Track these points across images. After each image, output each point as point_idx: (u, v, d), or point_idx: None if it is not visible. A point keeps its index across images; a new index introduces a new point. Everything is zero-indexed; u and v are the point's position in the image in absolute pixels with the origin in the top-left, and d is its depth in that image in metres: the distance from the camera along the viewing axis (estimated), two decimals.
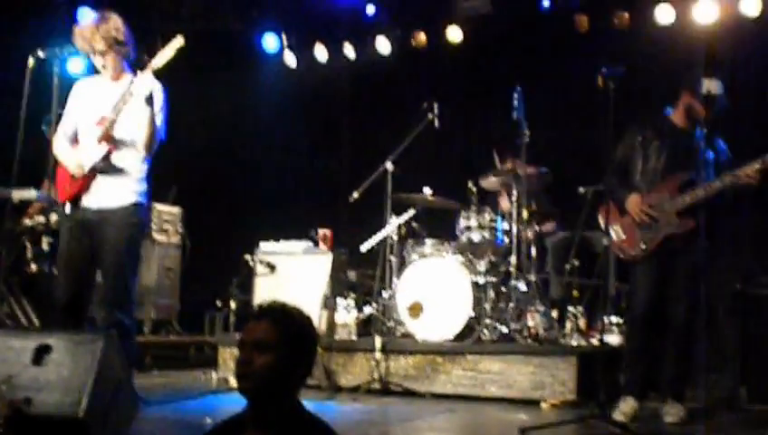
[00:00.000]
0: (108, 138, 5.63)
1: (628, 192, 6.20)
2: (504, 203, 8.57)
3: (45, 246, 5.38)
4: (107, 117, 5.62)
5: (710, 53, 7.77)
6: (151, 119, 5.60)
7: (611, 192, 6.32)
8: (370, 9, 11.04)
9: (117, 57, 5.77)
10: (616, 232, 6.26)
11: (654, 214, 6.07)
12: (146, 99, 5.51)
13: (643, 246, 6.13)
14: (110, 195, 5.69)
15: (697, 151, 6.11)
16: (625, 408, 6.00)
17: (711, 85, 6.07)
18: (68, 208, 5.67)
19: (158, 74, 5.71)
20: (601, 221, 6.39)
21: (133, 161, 5.76)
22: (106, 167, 5.67)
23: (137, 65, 5.78)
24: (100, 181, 5.69)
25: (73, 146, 5.79)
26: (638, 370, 6.19)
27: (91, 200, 5.66)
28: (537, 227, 8.34)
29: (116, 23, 5.75)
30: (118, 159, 5.70)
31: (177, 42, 5.65)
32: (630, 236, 6.21)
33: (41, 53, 5.56)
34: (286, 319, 3.02)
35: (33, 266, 8.71)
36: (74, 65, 9.36)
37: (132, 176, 5.76)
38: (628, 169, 6.34)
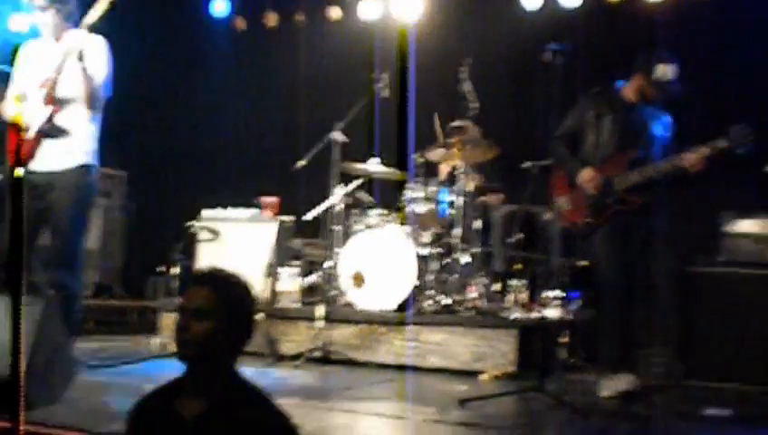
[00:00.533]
0: (51, 99, 5.56)
1: (580, 165, 6.24)
2: (446, 170, 8.57)
3: None
4: (49, 78, 5.56)
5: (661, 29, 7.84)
6: (86, 76, 5.52)
7: (561, 162, 6.37)
8: None
9: (57, 15, 5.68)
10: (562, 203, 6.31)
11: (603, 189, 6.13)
12: (77, 56, 5.44)
13: (589, 220, 6.19)
14: (58, 157, 5.63)
15: (647, 128, 6.18)
16: (618, 383, 6.04)
17: (666, 71, 6.13)
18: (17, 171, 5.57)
19: (102, 31, 5.67)
20: (551, 191, 6.43)
21: (79, 121, 5.69)
22: (51, 129, 5.60)
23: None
24: (47, 144, 5.62)
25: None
26: (616, 343, 6.20)
27: (39, 163, 5.60)
28: (483, 198, 8.38)
29: None
30: (62, 119, 5.64)
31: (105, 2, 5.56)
32: (578, 208, 6.26)
33: None
34: (226, 286, 3.03)
35: None
36: (18, 23, 9.23)
37: (79, 137, 5.72)
38: (578, 140, 6.38)
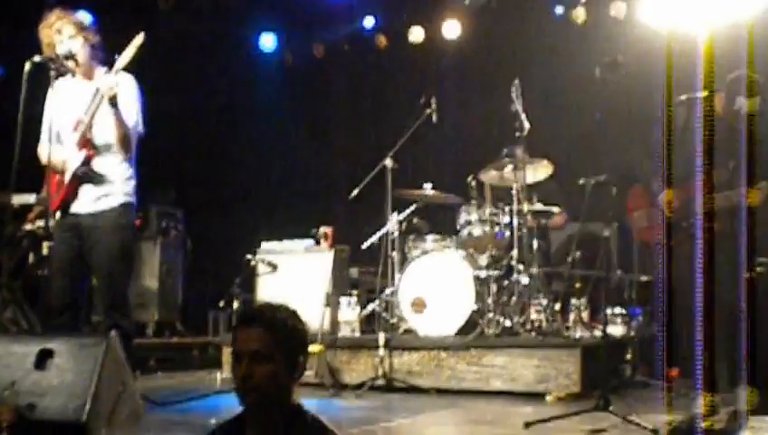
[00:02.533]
0: (85, 143, 5.57)
1: (664, 184, 6.11)
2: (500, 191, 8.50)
3: (46, 251, 5.34)
4: (82, 121, 5.57)
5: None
6: (119, 120, 5.53)
7: (646, 177, 6.25)
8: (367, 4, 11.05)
9: (86, 45, 5.69)
10: (639, 218, 6.23)
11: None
12: (110, 100, 5.45)
13: (664, 240, 6.10)
14: (97, 199, 5.63)
15: (736, 147, 6.03)
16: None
17: (742, 105, 6.01)
18: (58, 216, 5.63)
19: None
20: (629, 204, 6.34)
21: (115, 162, 5.71)
22: (88, 172, 5.60)
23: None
24: (86, 186, 5.64)
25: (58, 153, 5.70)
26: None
27: (79, 206, 5.61)
28: (544, 221, 8.33)
29: (82, 13, 5.73)
30: (99, 162, 5.63)
31: (138, 39, 5.57)
32: (654, 225, 6.17)
33: (37, 58, 5.52)
34: (278, 323, 2.95)
35: (35, 271, 8.70)
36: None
37: (117, 177, 5.71)
38: (668, 152, 6.20)
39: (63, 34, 5.63)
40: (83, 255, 5.60)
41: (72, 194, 5.61)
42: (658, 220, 6.11)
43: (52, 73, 5.53)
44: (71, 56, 5.60)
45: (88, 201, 5.63)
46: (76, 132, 5.61)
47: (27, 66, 5.43)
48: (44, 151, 5.70)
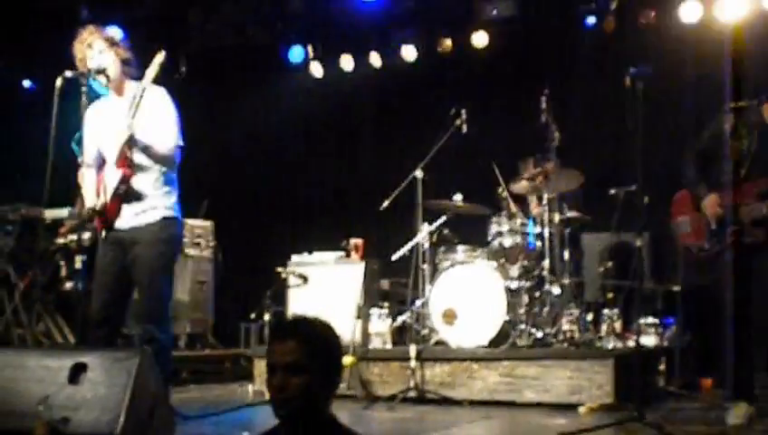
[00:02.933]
0: (123, 162, 5.58)
1: (707, 189, 6.09)
2: (535, 208, 8.50)
3: (78, 265, 5.36)
4: (118, 139, 5.57)
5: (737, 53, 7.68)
6: (146, 151, 5.54)
7: (689, 183, 6.22)
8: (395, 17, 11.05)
9: (117, 60, 5.71)
10: (683, 224, 6.19)
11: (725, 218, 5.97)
12: (126, 144, 5.47)
13: (707, 246, 6.06)
14: (137, 214, 5.65)
15: None
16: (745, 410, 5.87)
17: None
18: (103, 234, 5.63)
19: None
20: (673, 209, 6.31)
21: (154, 177, 5.68)
22: (127, 193, 5.61)
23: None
24: (127, 203, 5.66)
25: (100, 173, 5.74)
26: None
27: (122, 222, 5.62)
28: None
29: (113, 29, 5.76)
30: (138, 179, 5.63)
31: (160, 57, 5.57)
32: (697, 232, 6.13)
33: (68, 74, 5.54)
34: (312, 335, 2.97)
35: (68, 285, 8.76)
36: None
37: (157, 191, 5.69)
38: (711, 158, 6.16)
39: (94, 49, 5.65)
40: (124, 268, 5.62)
41: (114, 212, 5.60)
42: (701, 226, 6.06)
43: (83, 92, 5.55)
44: (101, 71, 5.61)
45: (129, 216, 5.62)
46: (114, 151, 5.59)
47: (59, 81, 5.46)
48: (82, 179, 5.72)
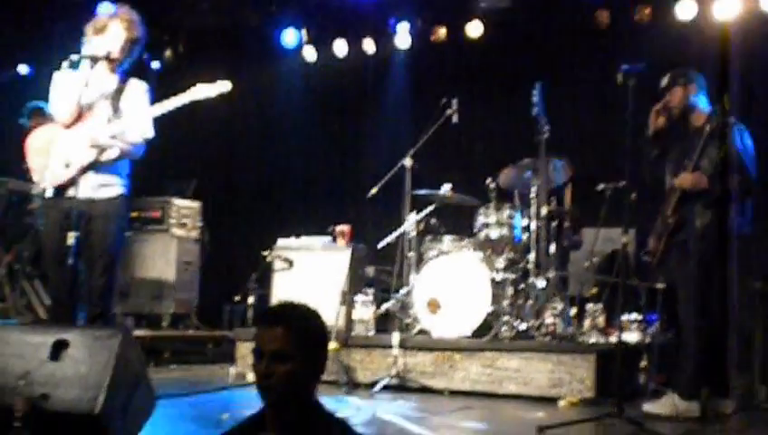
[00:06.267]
0: (98, 159, 5.67)
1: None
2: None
3: (71, 240, 5.31)
4: (93, 122, 5.66)
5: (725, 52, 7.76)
6: (120, 153, 5.73)
7: (650, 164, 6.47)
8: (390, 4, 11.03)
9: (127, 42, 5.79)
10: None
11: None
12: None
13: (651, 250, 6.29)
14: (97, 186, 5.67)
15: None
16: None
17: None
18: (50, 193, 5.61)
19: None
20: None
21: (122, 161, 5.82)
22: (92, 165, 5.66)
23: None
24: (89, 174, 5.66)
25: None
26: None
27: (78, 191, 5.57)
28: (572, 237, 8.33)
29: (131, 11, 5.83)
30: (106, 159, 5.72)
31: (225, 86, 5.81)
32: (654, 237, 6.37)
33: (74, 57, 5.55)
34: (301, 323, 2.95)
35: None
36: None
37: (120, 172, 5.82)
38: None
39: (110, 31, 5.72)
40: (80, 239, 5.46)
41: (74, 181, 5.59)
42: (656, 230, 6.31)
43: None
44: (108, 57, 5.72)
45: (87, 187, 5.64)
46: (88, 124, 5.68)
47: (65, 64, 5.47)
48: (64, 110, 5.73)
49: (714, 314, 6.15)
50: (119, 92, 5.78)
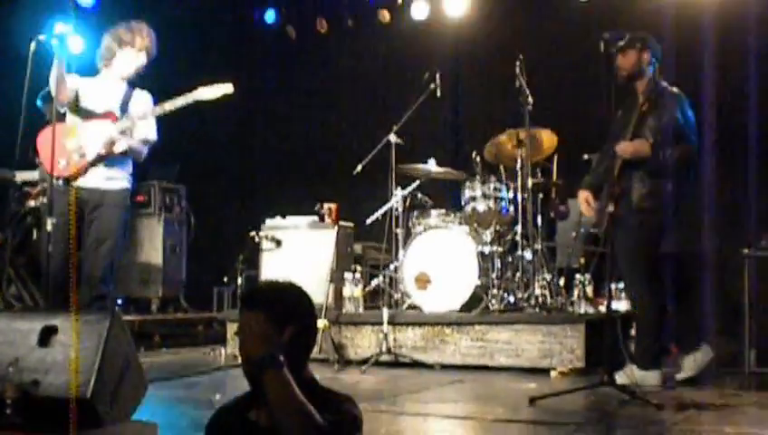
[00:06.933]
0: (110, 151, 5.92)
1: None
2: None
3: (49, 227, 5.32)
4: (108, 129, 5.90)
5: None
6: (131, 153, 6.08)
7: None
8: None
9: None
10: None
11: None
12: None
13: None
14: (105, 177, 5.96)
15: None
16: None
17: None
18: (60, 184, 5.79)
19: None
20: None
21: (127, 158, 6.13)
22: (105, 157, 5.95)
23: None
24: (99, 166, 5.93)
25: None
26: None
27: (87, 181, 5.91)
28: (558, 207, 8.34)
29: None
30: (116, 152, 5.99)
31: (227, 88, 6.09)
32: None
33: (42, 37, 5.51)
34: (283, 306, 2.91)
35: (39, 248, 8.70)
36: (74, 44, 9.33)
37: (126, 168, 6.12)
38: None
39: (133, 52, 6.10)
40: (80, 228, 5.83)
41: (83, 172, 5.89)
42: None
43: (57, 56, 5.60)
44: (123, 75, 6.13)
45: (97, 178, 5.93)
46: (104, 122, 5.93)
47: (33, 45, 5.43)
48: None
49: (659, 281, 6.22)
50: (127, 99, 6.10)
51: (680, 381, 6.12)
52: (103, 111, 5.98)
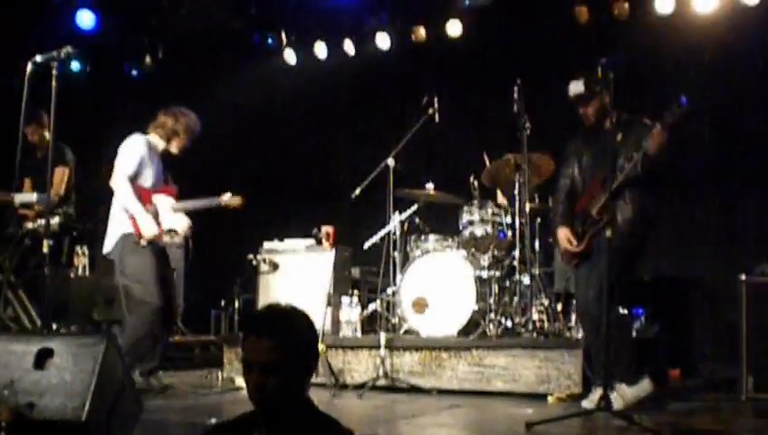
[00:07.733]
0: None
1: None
2: (501, 198, 8.47)
3: (45, 249, 5.32)
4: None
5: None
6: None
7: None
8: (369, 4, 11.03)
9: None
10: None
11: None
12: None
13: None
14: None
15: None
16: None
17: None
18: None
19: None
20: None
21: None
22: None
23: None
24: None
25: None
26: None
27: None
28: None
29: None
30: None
31: (236, 201, 7.63)
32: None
33: (38, 58, 5.50)
34: (289, 332, 2.92)
35: (37, 270, 8.70)
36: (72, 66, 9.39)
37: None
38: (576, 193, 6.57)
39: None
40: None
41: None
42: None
43: (54, 76, 5.56)
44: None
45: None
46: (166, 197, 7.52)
47: (29, 66, 5.43)
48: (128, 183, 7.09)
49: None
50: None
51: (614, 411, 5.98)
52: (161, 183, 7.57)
